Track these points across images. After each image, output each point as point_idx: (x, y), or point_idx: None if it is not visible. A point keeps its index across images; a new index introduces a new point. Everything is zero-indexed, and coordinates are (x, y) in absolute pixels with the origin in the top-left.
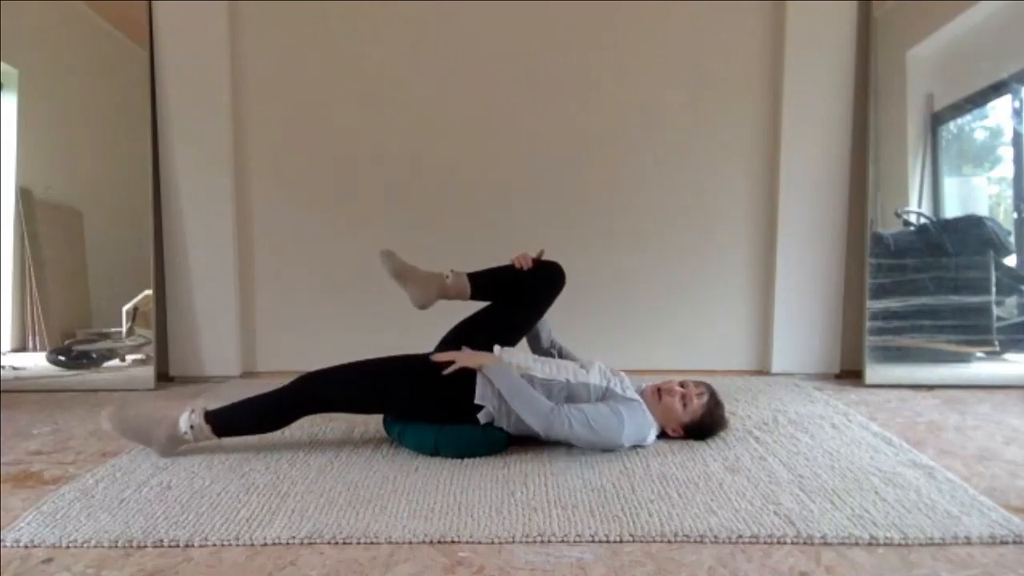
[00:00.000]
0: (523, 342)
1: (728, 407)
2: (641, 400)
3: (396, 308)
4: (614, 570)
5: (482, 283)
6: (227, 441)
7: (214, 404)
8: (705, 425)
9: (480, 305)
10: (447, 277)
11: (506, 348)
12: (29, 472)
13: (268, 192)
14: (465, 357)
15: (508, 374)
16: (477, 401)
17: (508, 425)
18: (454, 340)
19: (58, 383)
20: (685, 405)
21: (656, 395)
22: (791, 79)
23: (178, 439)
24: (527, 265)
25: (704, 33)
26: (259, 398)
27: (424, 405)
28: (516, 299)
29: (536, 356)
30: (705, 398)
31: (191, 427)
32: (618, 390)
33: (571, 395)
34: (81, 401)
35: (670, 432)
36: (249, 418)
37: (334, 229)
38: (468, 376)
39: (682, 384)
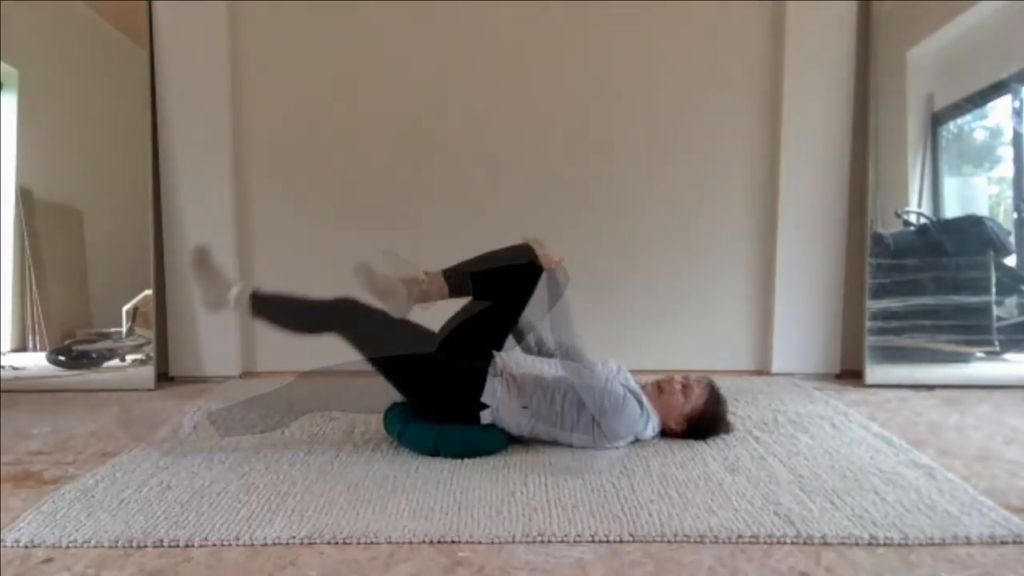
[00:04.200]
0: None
1: (728, 407)
2: (643, 394)
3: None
4: (614, 570)
5: (456, 282)
6: (227, 441)
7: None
8: (707, 416)
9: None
10: (423, 281)
11: (508, 352)
12: (29, 472)
13: (268, 192)
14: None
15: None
16: (484, 399)
17: (510, 426)
18: (450, 334)
19: (58, 383)
20: (686, 396)
21: (656, 391)
22: (791, 79)
23: None
24: (555, 256)
25: (704, 33)
26: (304, 300)
27: (430, 393)
28: (493, 292)
29: (542, 358)
30: (707, 391)
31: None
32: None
33: (578, 394)
34: (81, 401)
35: (673, 426)
36: (291, 313)
37: (334, 228)
38: (477, 374)
39: (683, 380)
